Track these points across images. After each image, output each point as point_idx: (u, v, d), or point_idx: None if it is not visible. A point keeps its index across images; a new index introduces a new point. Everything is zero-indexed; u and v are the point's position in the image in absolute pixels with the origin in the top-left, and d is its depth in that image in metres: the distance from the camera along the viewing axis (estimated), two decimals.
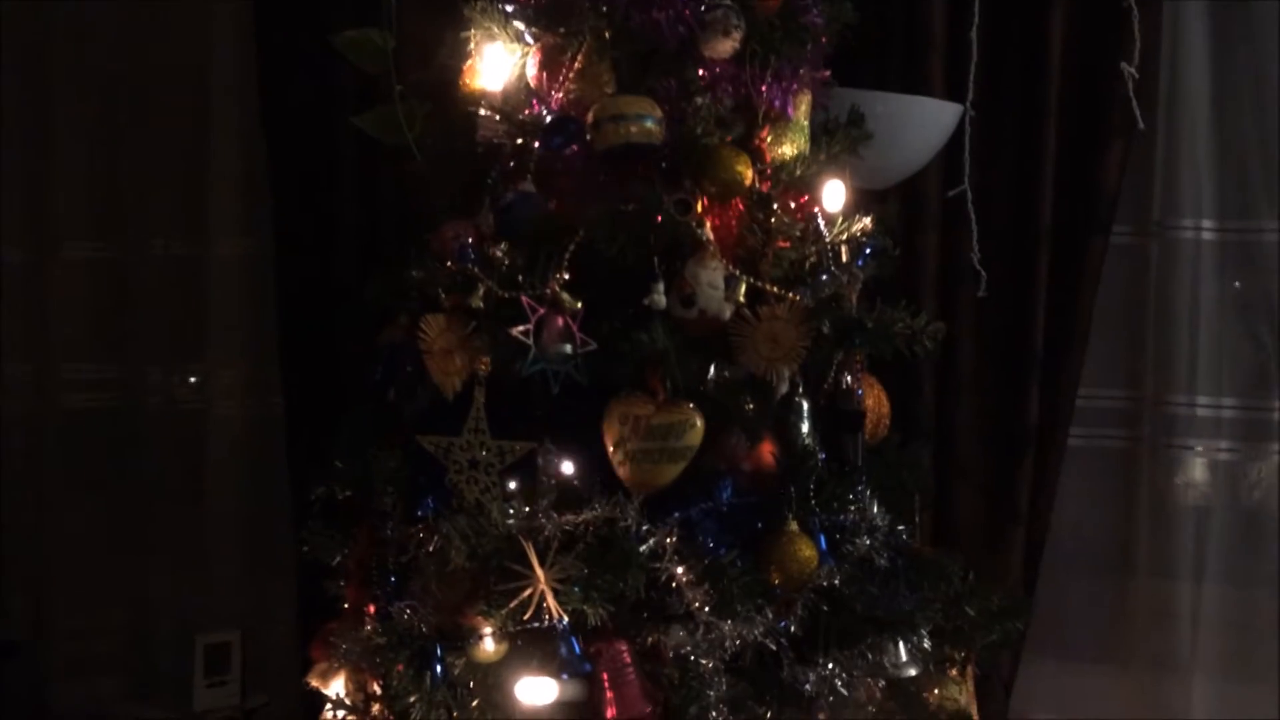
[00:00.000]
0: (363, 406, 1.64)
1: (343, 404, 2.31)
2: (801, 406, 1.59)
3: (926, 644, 1.55)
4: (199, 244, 2.69)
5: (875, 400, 1.61)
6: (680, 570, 1.42)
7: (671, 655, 1.45)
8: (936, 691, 1.68)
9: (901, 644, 1.50)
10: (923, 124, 2.08)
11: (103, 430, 2.79)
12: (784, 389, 1.50)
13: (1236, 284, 2.27)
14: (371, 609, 1.60)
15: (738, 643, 1.42)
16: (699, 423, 1.45)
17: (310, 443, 2.45)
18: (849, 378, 1.52)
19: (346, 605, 1.65)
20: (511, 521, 1.43)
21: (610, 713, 1.42)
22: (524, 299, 1.43)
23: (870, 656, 1.48)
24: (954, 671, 1.73)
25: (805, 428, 1.57)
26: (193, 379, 2.75)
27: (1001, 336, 2.31)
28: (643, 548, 1.40)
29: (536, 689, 1.39)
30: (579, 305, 1.45)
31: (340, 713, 1.58)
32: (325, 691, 1.64)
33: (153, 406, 2.77)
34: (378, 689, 1.58)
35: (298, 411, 2.53)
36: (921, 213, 2.27)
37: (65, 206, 2.70)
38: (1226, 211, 2.26)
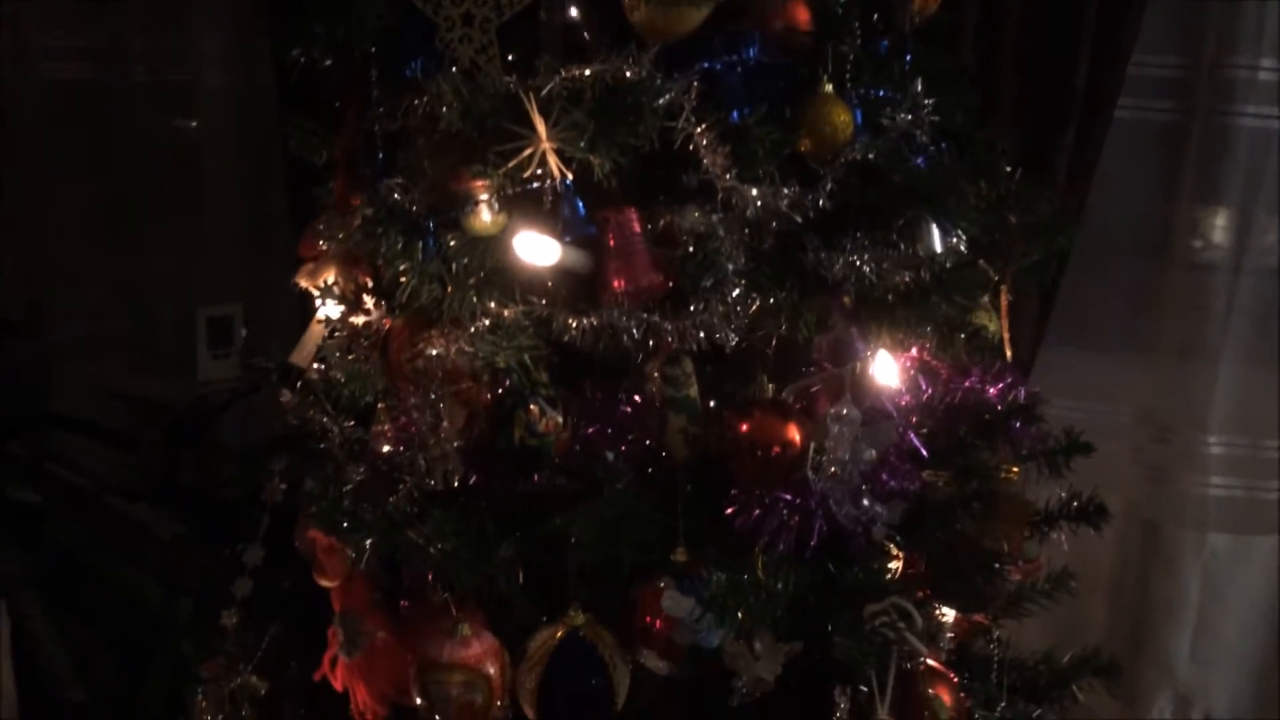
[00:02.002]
0: None
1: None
2: None
3: (963, 245, 1.38)
4: None
5: None
6: (700, 130, 1.23)
7: (686, 238, 1.29)
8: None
9: (937, 232, 1.32)
10: None
11: (89, 104, 2.59)
12: None
13: None
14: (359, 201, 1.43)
15: (759, 212, 1.25)
16: None
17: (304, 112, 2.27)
18: None
19: (334, 201, 1.48)
20: (510, 78, 1.23)
21: (617, 283, 1.27)
22: None
23: (903, 246, 1.31)
24: (985, 297, 1.57)
25: None
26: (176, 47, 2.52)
27: None
28: (658, 102, 1.21)
29: (537, 245, 1.24)
30: None
31: (330, 304, 1.43)
32: (314, 290, 1.49)
33: (138, 77, 2.55)
34: (369, 282, 1.43)
35: (289, 80, 2.31)
36: None
37: None
38: None
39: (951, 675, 1.42)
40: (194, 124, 2.55)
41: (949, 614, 1.51)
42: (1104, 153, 2.12)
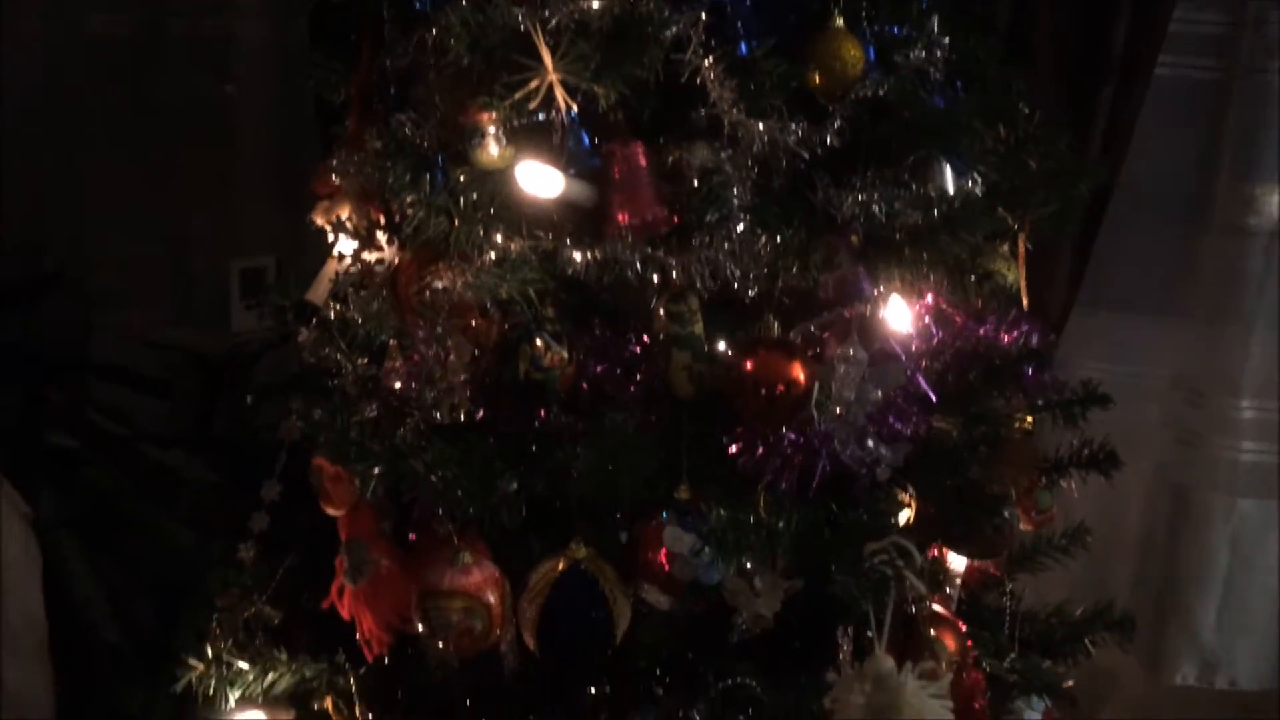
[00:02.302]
0: None
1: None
2: None
3: (979, 188, 1.36)
4: None
5: None
6: (707, 63, 1.22)
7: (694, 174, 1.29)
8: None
9: (950, 171, 1.31)
10: None
11: (126, 58, 2.63)
12: None
13: None
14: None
15: (766, 148, 1.24)
16: None
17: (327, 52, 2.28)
18: None
19: (349, 137, 1.49)
20: (519, 10, 1.23)
21: (621, 216, 1.26)
22: None
23: (915, 186, 1.30)
24: (1004, 247, 1.55)
25: None
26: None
27: None
28: (665, 33, 1.21)
29: (540, 176, 1.24)
30: None
31: (343, 238, 1.44)
32: (326, 226, 1.51)
33: (174, 30, 2.59)
34: (382, 218, 1.44)
35: (321, 33, 2.32)
36: None
37: None
38: None
39: (959, 623, 1.41)
40: (231, 76, 2.57)
41: (958, 561, 1.50)
42: (1143, 111, 2.08)
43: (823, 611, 1.32)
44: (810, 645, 1.34)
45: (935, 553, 1.45)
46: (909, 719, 1.14)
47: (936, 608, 1.38)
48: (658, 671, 1.37)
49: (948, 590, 1.47)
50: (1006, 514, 1.38)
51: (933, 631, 1.31)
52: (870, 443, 1.30)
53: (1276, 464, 2.08)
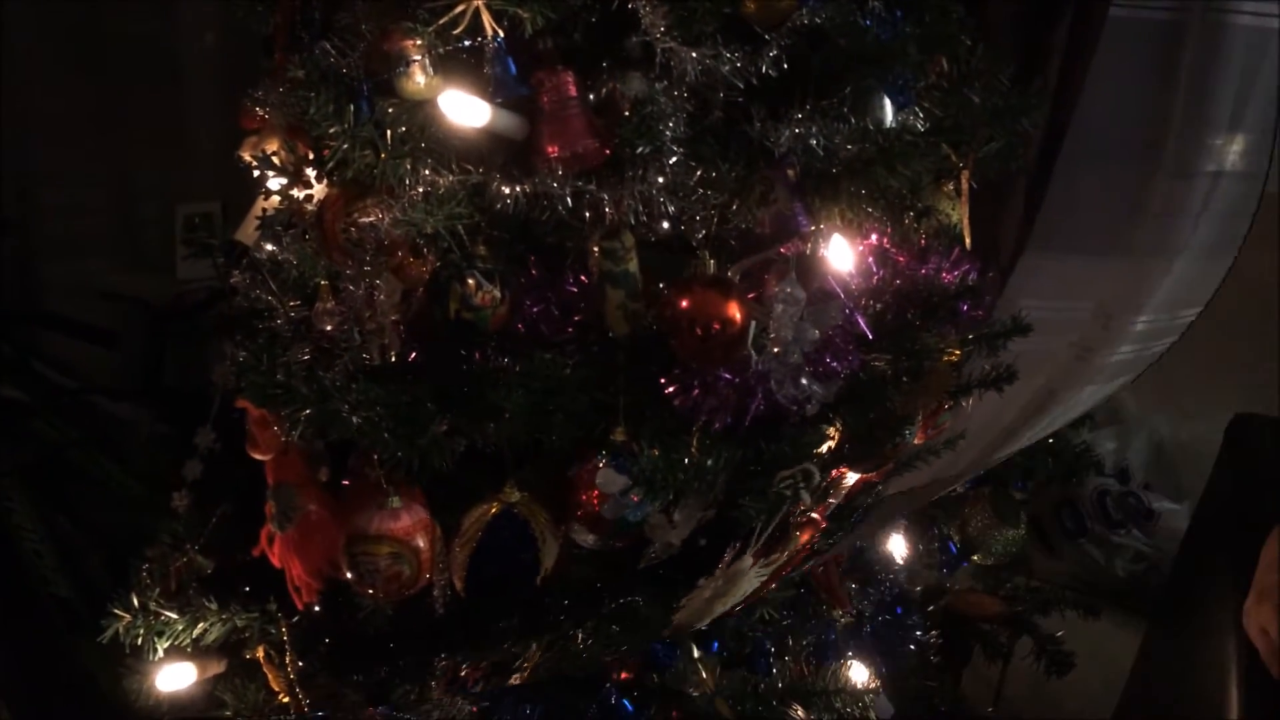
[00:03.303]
0: None
1: None
2: None
3: (920, 122, 1.31)
4: None
5: None
6: None
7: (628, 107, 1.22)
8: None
9: (889, 104, 1.25)
10: None
11: (70, 3, 2.53)
12: None
13: None
14: None
15: (700, 77, 1.18)
16: None
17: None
18: None
19: (274, 69, 1.41)
20: None
21: (550, 148, 1.20)
22: None
23: (854, 120, 1.24)
24: (948, 185, 1.50)
25: None
26: None
27: None
28: None
29: (465, 106, 1.17)
30: None
31: (270, 175, 1.37)
32: (252, 161, 1.43)
33: None
34: (310, 154, 1.37)
35: None
36: None
37: None
38: None
39: (822, 521, 1.37)
40: (177, 17, 2.49)
41: (851, 476, 1.45)
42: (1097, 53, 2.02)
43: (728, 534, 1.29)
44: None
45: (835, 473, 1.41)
46: (738, 595, 1.12)
47: (813, 515, 1.34)
48: (566, 601, 1.33)
49: (831, 500, 1.43)
50: (906, 433, 1.35)
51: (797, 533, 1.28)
52: (804, 381, 1.25)
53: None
